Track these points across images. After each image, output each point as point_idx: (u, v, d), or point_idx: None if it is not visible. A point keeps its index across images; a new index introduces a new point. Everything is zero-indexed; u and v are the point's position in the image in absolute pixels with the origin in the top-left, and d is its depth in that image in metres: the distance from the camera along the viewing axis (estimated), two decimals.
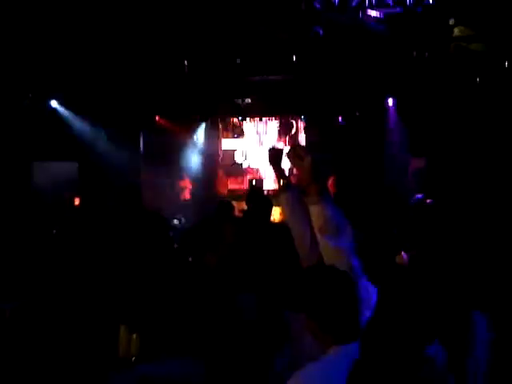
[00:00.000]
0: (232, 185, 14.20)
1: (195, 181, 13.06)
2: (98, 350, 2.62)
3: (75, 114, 11.71)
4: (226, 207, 6.13)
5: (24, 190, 9.29)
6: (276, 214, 9.69)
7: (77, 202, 10.79)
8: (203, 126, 13.57)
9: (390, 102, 11.57)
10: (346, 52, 9.30)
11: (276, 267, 2.65)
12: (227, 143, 14.38)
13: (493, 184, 8.46)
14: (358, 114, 12.02)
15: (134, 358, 2.51)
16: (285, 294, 2.33)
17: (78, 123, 11.84)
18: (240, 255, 3.30)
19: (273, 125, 13.92)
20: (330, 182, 12.54)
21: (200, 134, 13.69)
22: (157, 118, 13.06)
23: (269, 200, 4.73)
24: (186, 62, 9.94)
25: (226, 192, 13.31)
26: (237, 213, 7.02)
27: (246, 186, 13.71)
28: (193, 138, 13.52)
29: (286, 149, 2.45)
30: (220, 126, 14.10)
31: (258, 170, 14.24)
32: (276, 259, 2.62)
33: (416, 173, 9.63)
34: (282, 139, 13.80)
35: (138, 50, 9.38)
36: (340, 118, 12.29)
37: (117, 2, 7.93)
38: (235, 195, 12.30)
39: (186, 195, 12.97)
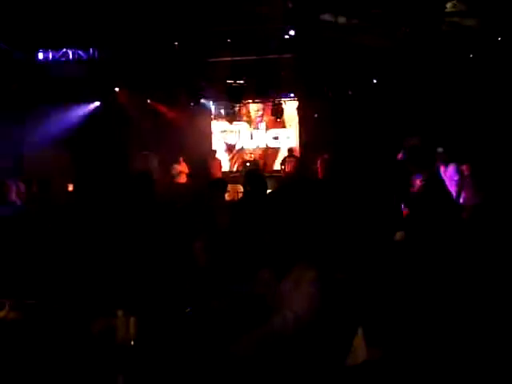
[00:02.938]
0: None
1: (191, 164, 12.95)
2: (96, 336, 2.58)
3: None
4: (219, 185, 5.99)
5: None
6: None
7: (70, 188, 10.72)
8: (196, 108, 13.42)
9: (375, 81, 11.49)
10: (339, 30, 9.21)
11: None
12: (220, 125, 14.31)
13: (487, 161, 8.45)
14: (350, 92, 11.96)
15: (132, 343, 2.47)
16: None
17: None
18: (233, 242, 3.25)
19: (266, 107, 13.86)
20: (320, 161, 12.54)
21: (193, 117, 13.57)
22: (148, 101, 12.95)
23: (265, 181, 4.68)
24: (176, 43, 9.83)
25: (220, 175, 13.27)
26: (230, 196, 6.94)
27: (239, 168, 13.73)
28: (186, 121, 13.42)
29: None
30: (212, 108, 14.04)
31: (252, 152, 14.20)
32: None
33: (411, 149, 9.59)
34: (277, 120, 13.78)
35: (129, 33, 9.27)
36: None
37: None
38: (229, 178, 12.28)
39: (183, 179, 12.86)
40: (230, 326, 2.44)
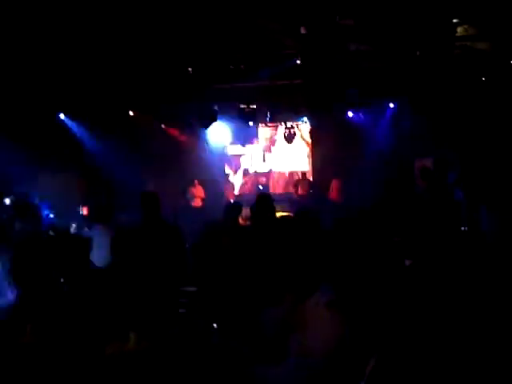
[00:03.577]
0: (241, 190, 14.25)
1: (206, 187, 12.97)
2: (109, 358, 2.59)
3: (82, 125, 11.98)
4: (234, 209, 6.00)
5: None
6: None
7: (85, 211, 10.80)
8: (209, 132, 13.49)
9: (391, 105, 11.55)
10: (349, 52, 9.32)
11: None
12: (233, 149, 14.39)
13: (500, 181, 8.39)
14: (362, 115, 12.00)
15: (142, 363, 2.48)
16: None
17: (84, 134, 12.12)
18: (238, 265, 3.27)
19: (280, 130, 13.93)
20: (334, 186, 12.49)
21: (207, 141, 13.67)
22: (162, 126, 13.09)
23: (272, 204, 4.69)
24: (190, 68, 9.99)
25: (233, 198, 13.29)
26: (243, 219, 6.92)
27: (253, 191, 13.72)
28: (199, 145, 13.51)
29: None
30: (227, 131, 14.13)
31: (265, 175, 14.23)
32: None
33: (423, 171, 9.58)
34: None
35: (141, 60, 9.44)
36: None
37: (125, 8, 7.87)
38: (242, 201, 12.24)
39: (198, 203, 12.86)
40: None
